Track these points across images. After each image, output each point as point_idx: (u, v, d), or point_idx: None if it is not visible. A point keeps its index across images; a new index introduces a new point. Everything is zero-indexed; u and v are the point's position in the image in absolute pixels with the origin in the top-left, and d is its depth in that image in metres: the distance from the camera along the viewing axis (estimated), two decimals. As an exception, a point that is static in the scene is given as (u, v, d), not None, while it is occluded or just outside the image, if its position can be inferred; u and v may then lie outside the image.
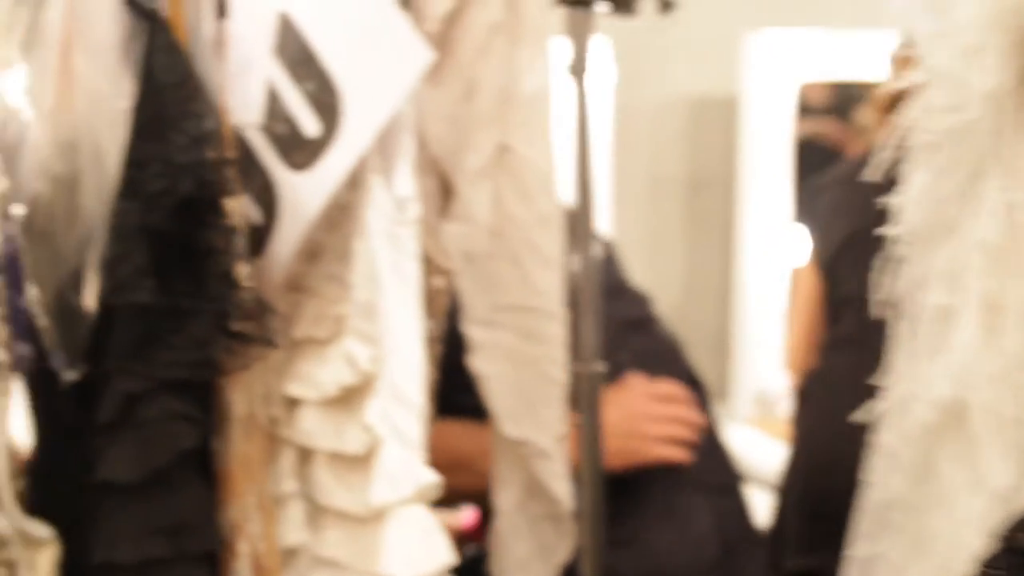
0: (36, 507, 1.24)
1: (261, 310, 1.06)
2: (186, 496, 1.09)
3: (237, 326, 1.06)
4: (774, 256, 2.97)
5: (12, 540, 1.21)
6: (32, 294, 1.18)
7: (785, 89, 2.99)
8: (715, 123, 3.07)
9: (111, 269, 1.04)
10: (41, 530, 1.23)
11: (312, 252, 1.21)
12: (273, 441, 1.24)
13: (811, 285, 2.36)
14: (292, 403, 1.22)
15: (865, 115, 3.22)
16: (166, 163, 1.04)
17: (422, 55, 1.14)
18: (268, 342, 1.08)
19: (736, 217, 3.07)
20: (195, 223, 1.05)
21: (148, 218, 1.04)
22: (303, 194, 1.17)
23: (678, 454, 1.64)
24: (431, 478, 1.15)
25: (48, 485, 1.24)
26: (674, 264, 3.06)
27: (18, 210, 1.23)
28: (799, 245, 2.78)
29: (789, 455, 2.30)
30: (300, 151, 1.17)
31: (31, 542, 1.23)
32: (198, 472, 1.11)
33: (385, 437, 1.16)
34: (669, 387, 1.69)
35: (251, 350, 1.07)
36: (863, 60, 3.01)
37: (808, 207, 2.39)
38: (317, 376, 1.20)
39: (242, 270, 1.06)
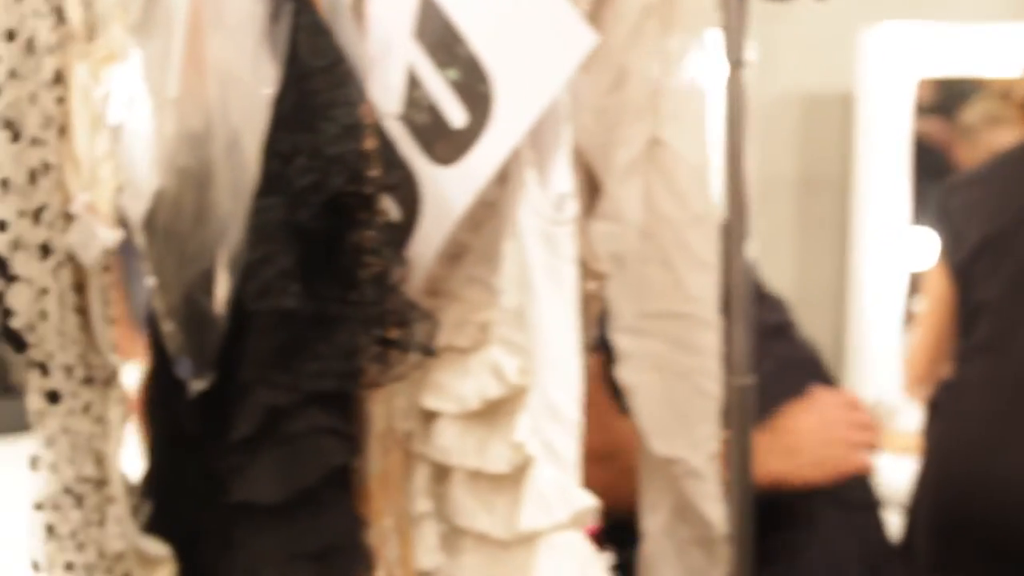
0: (153, 523, 1.17)
1: (415, 316, 0.96)
2: (334, 517, 0.99)
3: (389, 333, 0.96)
4: (891, 259, 2.84)
5: (128, 555, 1.13)
6: (155, 297, 1.10)
7: (902, 85, 2.86)
8: (829, 120, 2.95)
9: (252, 272, 0.95)
10: (158, 548, 1.15)
11: (454, 253, 1.12)
12: (407, 457, 1.15)
13: (941, 290, 2.25)
14: (428, 416, 1.13)
15: (973, 113, 3.09)
16: (314, 155, 0.94)
17: (584, 38, 1.04)
18: (424, 351, 0.97)
19: (851, 218, 2.95)
20: (345, 221, 0.95)
21: (294, 216, 0.94)
22: (448, 190, 1.07)
23: (872, 463, 1.55)
24: (588, 501, 1.05)
25: (166, 501, 1.17)
26: (785, 268, 2.94)
27: (137, 206, 1.15)
28: (919, 248, 2.67)
29: (918, 469, 2.19)
30: (444, 143, 1.07)
31: (147, 561, 1.16)
32: (345, 491, 1.01)
33: (536, 456, 1.06)
34: (852, 395, 1.60)
35: (404, 360, 0.97)
36: (983, 55, 2.88)
37: (938, 209, 2.27)
38: (457, 388, 1.10)
39: (396, 272, 0.96)
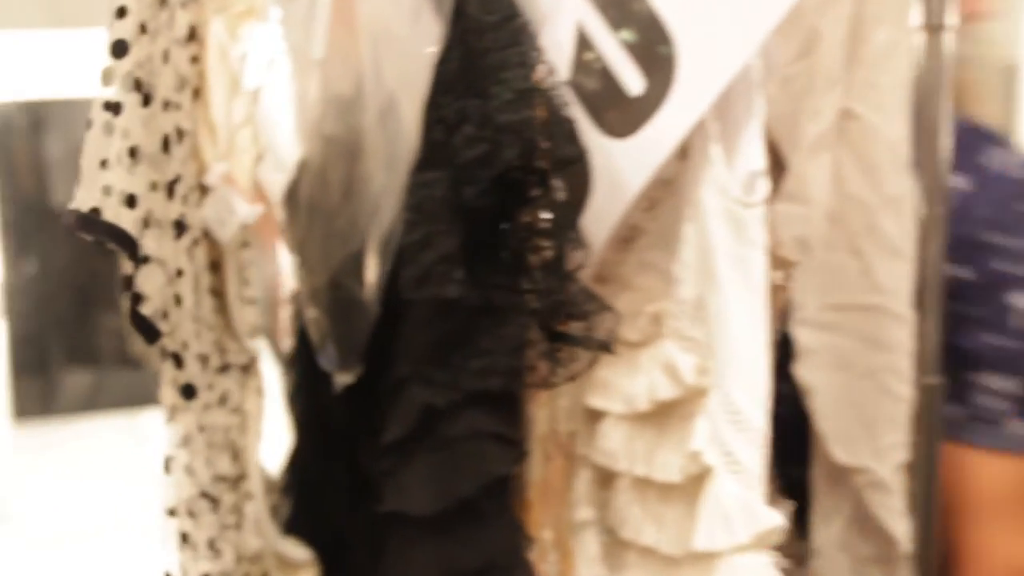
0: (294, 524, 1.08)
1: (593, 308, 0.85)
2: (496, 531, 0.89)
3: (563, 327, 0.84)
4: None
5: (266, 556, 1.04)
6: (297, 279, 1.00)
7: (1070, 55, 2.68)
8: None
9: (410, 255, 0.84)
10: (299, 552, 1.06)
11: (626, 236, 1.01)
12: (570, 464, 1.04)
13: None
14: (592, 416, 1.02)
15: None
16: (484, 123, 0.82)
17: (782, -5, 0.91)
18: (602, 347, 0.86)
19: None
20: (516, 199, 0.83)
21: (459, 192, 0.82)
22: (621, 165, 0.96)
23: None
24: (775, 520, 0.93)
25: (309, 501, 1.07)
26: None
27: (278, 178, 1.05)
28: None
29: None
30: (619, 112, 0.96)
31: (286, 564, 1.06)
32: (507, 502, 0.90)
33: (716, 467, 0.94)
34: None
35: (580, 357, 0.85)
36: None
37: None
38: (626, 386, 1.00)
39: (571, 258, 0.84)
